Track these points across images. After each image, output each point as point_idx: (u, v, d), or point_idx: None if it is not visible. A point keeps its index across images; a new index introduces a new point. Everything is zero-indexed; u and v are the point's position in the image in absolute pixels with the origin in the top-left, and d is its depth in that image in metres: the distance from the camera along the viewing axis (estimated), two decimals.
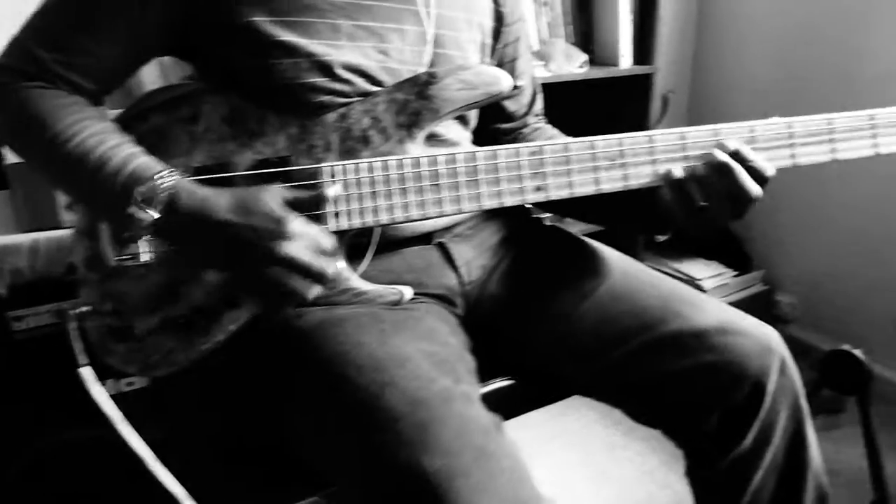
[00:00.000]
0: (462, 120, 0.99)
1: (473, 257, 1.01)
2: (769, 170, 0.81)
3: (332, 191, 0.79)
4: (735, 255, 2.19)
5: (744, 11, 2.14)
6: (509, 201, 0.82)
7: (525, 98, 1.11)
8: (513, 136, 1.11)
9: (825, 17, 1.91)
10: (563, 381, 0.97)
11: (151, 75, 1.30)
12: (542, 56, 1.80)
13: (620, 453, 1.80)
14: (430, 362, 0.77)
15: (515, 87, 0.93)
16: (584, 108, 1.78)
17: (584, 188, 0.83)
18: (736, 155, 0.81)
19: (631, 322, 0.91)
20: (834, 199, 1.98)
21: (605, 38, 1.92)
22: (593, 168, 0.82)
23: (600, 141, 0.82)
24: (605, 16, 1.90)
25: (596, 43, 1.96)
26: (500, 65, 1.04)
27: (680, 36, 2.27)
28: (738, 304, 2.12)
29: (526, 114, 1.11)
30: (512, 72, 1.04)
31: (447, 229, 0.99)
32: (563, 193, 0.83)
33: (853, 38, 1.85)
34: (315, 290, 0.74)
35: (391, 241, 0.91)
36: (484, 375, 0.89)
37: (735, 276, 2.11)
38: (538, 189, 0.83)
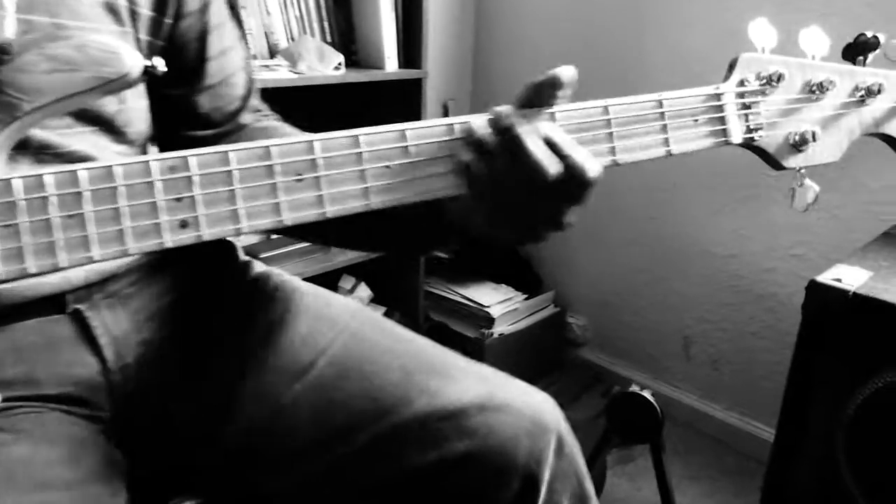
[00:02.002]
0: (102, 124, 0.66)
1: (129, 330, 0.70)
2: (590, 169, 0.55)
3: None
4: (524, 277, 2.04)
5: (523, 11, 2.00)
6: (169, 241, 0.52)
7: (234, 90, 0.78)
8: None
9: (604, 13, 1.82)
10: (269, 497, 0.72)
11: None
12: (288, 56, 1.50)
13: None
14: None
15: (180, 71, 0.64)
16: (344, 116, 1.50)
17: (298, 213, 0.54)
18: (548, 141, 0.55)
19: (363, 406, 0.70)
20: (619, 213, 1.89)
21: (367, 37, 1.66)
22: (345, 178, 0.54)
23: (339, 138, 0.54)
24: (365, 12, 1.65)
25: (359, 43, 1.70)
26: (179, 46, 0.72)
27: (457, 39, 2.09)
28: (529, 329, 1.99)
29: (236, 112, 0.79)
30: (200, 52, 0.73)
31: (89, 288, 0.66)
32: (266, 223, 0.54)
33: (632, 33, 1.76)
34: None
35: None
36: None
37: (525, 299, 1.96)
38: (184, 225, 0.53)
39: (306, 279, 1.58)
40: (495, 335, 1.85)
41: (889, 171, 1.41)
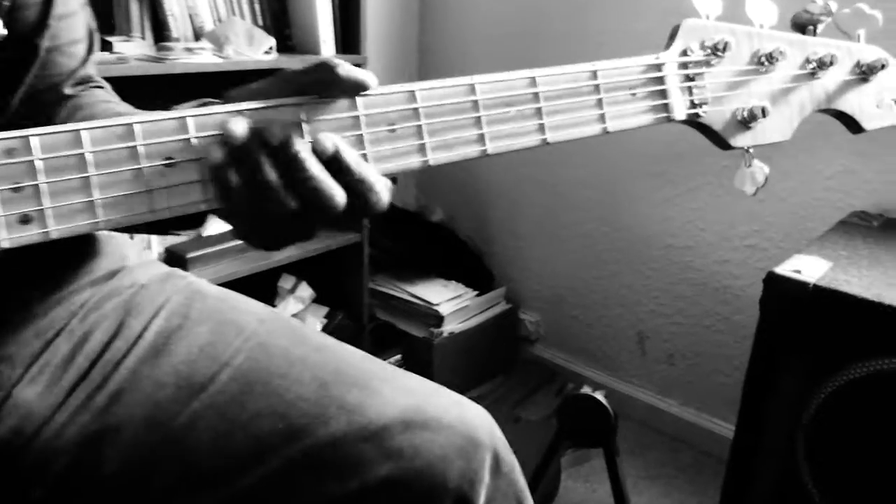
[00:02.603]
0: None
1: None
2: (380, 200, 0.46)
3: None
4: (476, 273, 1.97)
5: None
6: (6, 240, 0.43)
7: (75, 50, 0.66)
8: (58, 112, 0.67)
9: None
10: None
11: None
12: (214, 39, 1.39)
13: None
14: None
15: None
16: None
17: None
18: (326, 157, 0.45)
19: (271, 426, 0.61)
20: (571, 205, 1.83)
21: (302, 20, 1.56)
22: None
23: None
24: None
25: (294, 27, 1.60)
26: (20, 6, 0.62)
27: (400, 24, 2.00)
28: (481, 327, 1.90)
29: (73, 73, 0.67)
30: (43, 15, 0.63)
31: None
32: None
33: (577, 14, 1.70)
34: None
35: None
36: None
37: (476, 295, 1.88)
38: (25, 221, 0.44)
39: (240, 280, 1.50)
40: (445, 334, 1.77)
41: (841, 157, 1.37)
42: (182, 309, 0.68)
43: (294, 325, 0.71)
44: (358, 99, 0.47)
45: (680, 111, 0.57)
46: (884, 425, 0.94)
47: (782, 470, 1.03)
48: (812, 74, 0.61)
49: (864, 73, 0.63)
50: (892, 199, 1.32)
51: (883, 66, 0.63)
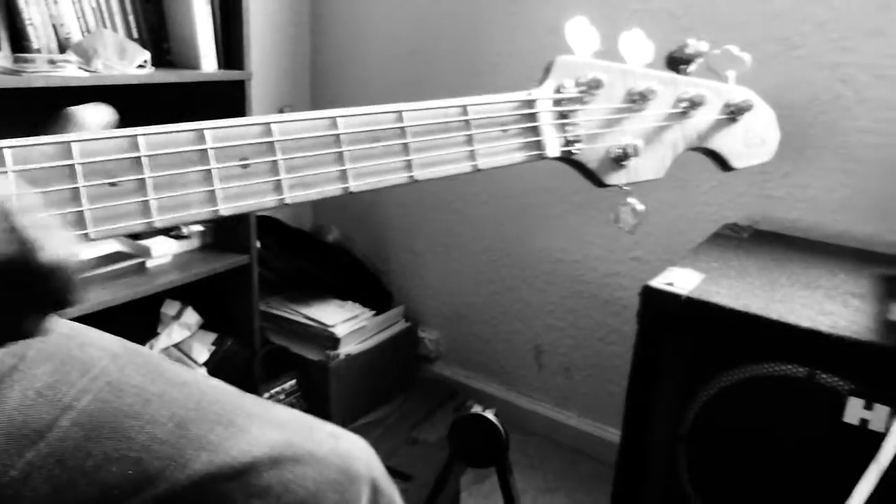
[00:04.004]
0: None
1: None
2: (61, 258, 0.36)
3: None
4: (373, 292, 1.93)
5: (358, 11, 1.89)
6: None
7: None
8: None
9: (440, 12, 1.74)
10: None
11: None
12: (81, 51, 1.29)
13: None
14: None
15: None
16: (158, 121, 1.31)
17: None
18: None
19: (121, 473, 0.56)
20: (468, 222, 1.82)
21: (180, 34, 1.48)
22: None
23: None
24: (177, 6, 1.46)
25: (172, 39, 1.51)
26: None
27: (291, 40, 1.94)
28: (379, 347, 1.85)
29: None
30: None
31: None
32: None
33: (467, 34, 1.70)
34: None
35: None
36: None
37: (374, 315, 1.84)
38: None
39: (118, 307, 1.40)
40: (342, 356, 1.72)
41: (716, 172, 1.42)
42: (18, 348, 0.61)
43: (153, 360, 0.65)
44: (207, 132, 0.43)
45: (553, 149, 0.56)
46: (756, 430, 0.98)
47: (667, 479, 1.06)
48: (684, 114, 0.62)
49: (733, 113, 0.65)
50: (762, 210, 1.40)
51: (749, 108, 0.65)
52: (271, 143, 0.45)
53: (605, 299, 1.64)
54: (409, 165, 0.50)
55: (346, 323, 1.76)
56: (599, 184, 0.59)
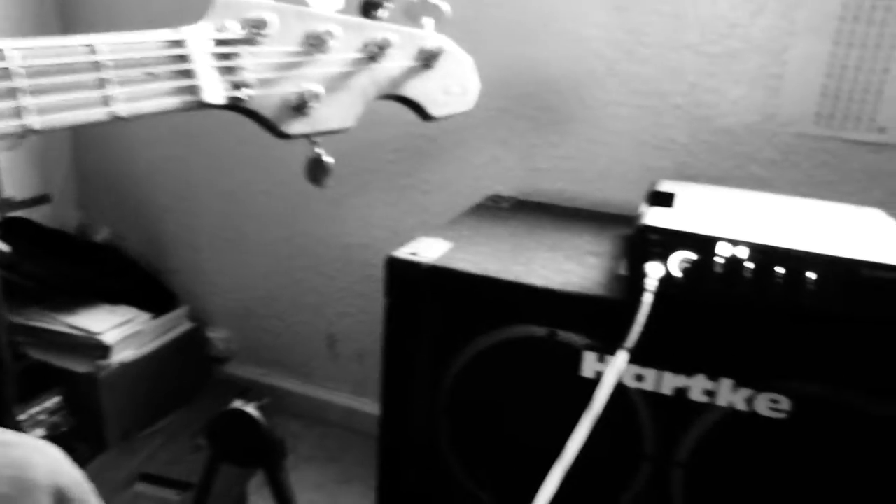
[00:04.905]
0: None
1: None
2: None
3: None
4: (152, 294, 1.78)
5: None
6: None
7: None
8: None
9: None
10: None
11: None
12: None
13: None
14: None
15: None
16: None
17: None
18: None
19: None
20: (252, 214, 1.74)
21: None
22: None
23: None
24: None
25: None
26: None
27: None
28: (159, 353, 1.66)
29: None
30: None
31: None
32: None
33: None
34: None
35: None
36: None
37: (152, 318, 1.70)
38: None
39: None
40: (114, 366, 1.56)
41: (488, 147, 1.46)
42: None
43: None
44: None
45: (215, 94, 0.51)
46: (510, 395, 1.00)
47: (430, 453, 1.05)
48: (372, 59, 0.60)
49: (427, 59, 0.64)
50: (531, 183, 1.45)
51: (440, 53, 0.64)
52: None
53: None
54: (19, 112, 0.43)
55: (117, 329, 1.60)
56: (281, 135, 0.56)
